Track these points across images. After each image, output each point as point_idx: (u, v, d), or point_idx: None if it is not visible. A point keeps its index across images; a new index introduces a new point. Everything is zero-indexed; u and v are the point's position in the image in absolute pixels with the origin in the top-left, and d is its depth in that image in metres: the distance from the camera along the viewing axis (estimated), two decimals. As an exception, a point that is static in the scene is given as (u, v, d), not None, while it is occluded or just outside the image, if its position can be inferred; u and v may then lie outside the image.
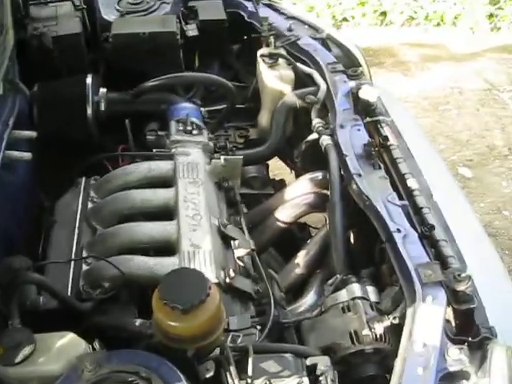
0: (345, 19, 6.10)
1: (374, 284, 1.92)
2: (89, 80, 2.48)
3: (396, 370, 1.55)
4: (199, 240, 1.88)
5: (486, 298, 1.70)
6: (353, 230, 2.21)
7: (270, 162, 2.79)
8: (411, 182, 2.03)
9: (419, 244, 1.82)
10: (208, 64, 2.88)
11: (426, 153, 2.36)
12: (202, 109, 2.59)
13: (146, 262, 1.82)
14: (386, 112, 2.36)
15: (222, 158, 2.26)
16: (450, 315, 1.68)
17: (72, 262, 1.84)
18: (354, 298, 1.84)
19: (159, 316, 1.47)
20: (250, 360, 1.49)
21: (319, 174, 2.36)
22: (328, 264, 2.12)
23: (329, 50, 2.71)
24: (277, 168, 3.52)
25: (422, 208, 1.94)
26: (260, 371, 1.53)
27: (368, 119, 2.32)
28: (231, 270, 1.83)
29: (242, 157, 2.31)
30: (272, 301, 1.82)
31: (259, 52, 2.70)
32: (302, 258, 2.24)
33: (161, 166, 2.17)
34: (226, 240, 1.99)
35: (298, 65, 2.63)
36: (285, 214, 2.36)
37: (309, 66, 2.62)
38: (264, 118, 2.71)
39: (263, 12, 2.87)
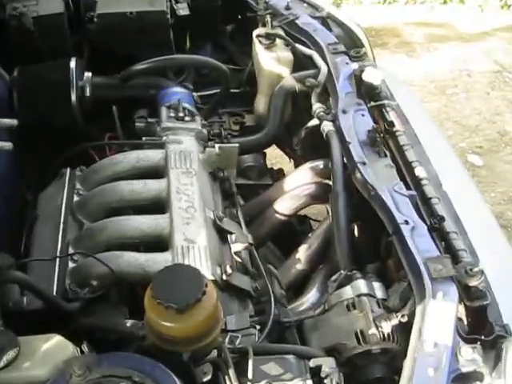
0: (345, -4, 6.11)
1: (381, 280, 1.92)
2: (72, 64, 2.46)
3: (405, 372, 1.55)
4: (193, 234, 1.87)
5: (500, 293, 1.70)
6: (357, 222, 2.20)
7: (267, 151, 2.80)
8: (419, 171, 2.03)
9: (428, 236, 1.82)
10: (200, 45, 2.88)
11: (434, 139, 2.37)
12: (195, 93, 2.58)
13: (137, 259, 1.81)
14: (392, 96, 2.36)
15: (217, 146, 2.26)
16: (462, 312, 1.68)
17: (57, 260, 1.83)
18: (359, 295, 1.84)
19: (152, 316, 1.46)
20: (250, 362, 1.48)
21: (320, 163, 2.36)
22: (331, 259, 2.12)
23: (329, 29, 2.71)
24: (274, 157, 3.53)
25: (430, 198, 1.94)
26: (261, 374, 1.52)
27: (372, 103, 2.32)
28: (228, 267, 1.82)
29: (237, 145, 2.31)
30: (272, 299, 1.82)
31: (255, 32, 2.69)
32: (303, 253, 2.24)
33: (151, 156, 2.17)
34: (221, 234, 1.99)
35: (297, 46, 2.62)
36: (284, 205, 2.36)
37: (308, 47, 2.62)
38: (261, 104, 2.70)
39: (259, -11, 2.85)
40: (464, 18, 5.96)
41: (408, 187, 2.00)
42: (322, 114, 2.39)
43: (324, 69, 2.49)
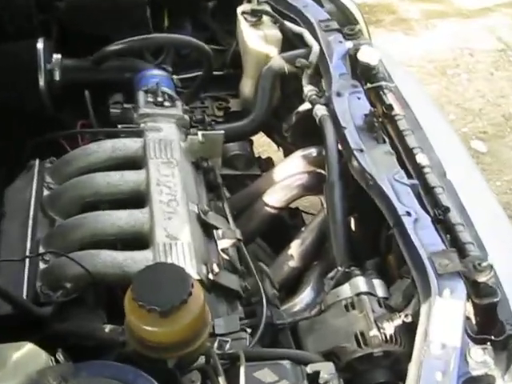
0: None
1: (381, 277, 1.92)
2: (40, 45, 2.44)
3: (410, 376, 1.55)
4: (176, 230, 1.87)
5: (511, 289, 1.70)
6: (354, 214, 2.21)
7: (253, 138, 2.79)
8: (421, 158, 2.04)
9: (433, 229, 1.82)
10: (179, 24, 2.87)
11: (436, 123, 2.39)
12: (174, 76, 2.57)
13: (115, 258, 1.80)
14: (390, 77, 2.36)
15: (200, 133, 2.25)
16: (470, 311, 1.68)
17: (27, 260, 1.81)
18: (358, 294, 1.84)
19: (133, 320, 1.45)
20: (242, 369, 1.48)
21: (313, 151, 2.36)
22: (327, 255, 2.13)
23: (321, 5, 2.70)
24: (261, 145, 3.52)
25: (434, 187, 1.94)
26: (253, 381, 1.52)
27: (369, 85, 2.32)
28: (215, 265, 1.82)
29: (222, 132, 2.30)
30: (264, 299, 1.82)
31: (239, 9, 2.69)
32: (295, 249, 2.24)
33: (128, 145, 2.15)
34: (207, 229, 1.98)
35: (286, 23, 2.61)
36: (274, 197, 2.36)
37: (298, 25, 2.61)
38: (247, 87, 2.70)
39: (242, -39, 2.85)
40: (463, -9, 5.99)
41: (409, 176, 2.00)
42: (314, 97, 2.39)
43: (315, 48, 2.48)
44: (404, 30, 5.56)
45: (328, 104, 2.30)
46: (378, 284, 1.88)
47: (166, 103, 2.31)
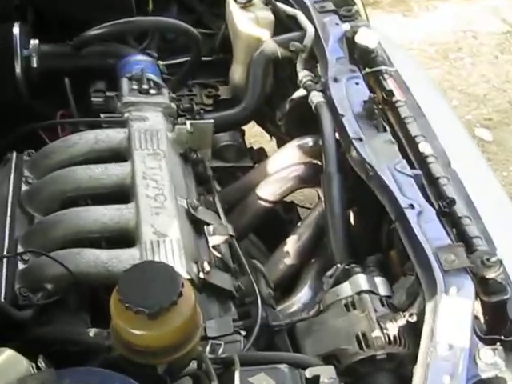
0: None
1: (384, 274, 1.92)
2: (16, 30, 2.43)
3: (416, 380, 1.55)
4: (164, 226, 1.87)
5: (521, 287, 1.71)
6: (354, 208, 2.21)
7: (245, 128, 2.79)
8: (424, 147, 2.04)
9: (437, 222, 1.82)
10: (164, 6, 2.87)
11: (439, 110, 2.40)
12: (160, 62, 2.57)
13: (99, 256, 1.79)
14: (389, 61, 2.37)
15: (188, 123, 2.24)
16: (478, 309, 1.69)
17: (4, 260, 1.80)
18: (359, 293, 1.84)
19: (119, 323, 1.45)
20: (237, 374, 1.47)
21: (309, 140, 2.36)
22: (325, 251, 2.12)
23: (315, -15, 2.70)
24: (253, 135, 3.51)
25: (438, 178, 1.95)
26: (249, 387, 1.52)
27: (367, 70, 2.33)
28: (206, 263, 1.82)
29: (212, 121, 2.30)
30: (258, 299, 1.82)
31: (228, -11, 2.68)
32: (291, 245, 2.24)
33: (111, 136, 2.15)
34: (197, 225, 1.98)
35: (278, 4, 2.62)
36: (268, 190, 2.35)
37: (292, 6, 2.61)
38: (237, 73, 2.70)
39: None
40: (466, -31, 5.98)
41: (412, 166, 2.00)
42: (309, 83, 2.39)
43: (310, 30, 2.48)
44: (403, 12, 5.56)
45: (324, 90, 2.30)
46: (379, 282, 1.88)
47: (152, 91, 2.31)
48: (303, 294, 2.07)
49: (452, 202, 1.87)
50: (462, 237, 1.80)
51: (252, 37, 2.60)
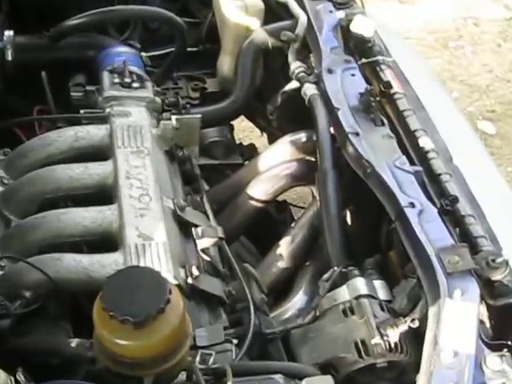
0: None
1: (383, 277, 1.92)
2: (-12, 21, 2.44)
3: (419, 389, 1.55)
4: (149, 229, 1.87)
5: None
6: (350, 207, 2.21)
7: (234, 123, 2.80)
8: (424, 141, 2.05)
9: (440, 221, 1.83)
10: (147, -6, 2.86)
11: (440, 102, 2.40)
12: (143, 54, 2.57)
13: (80, 262, 1.79)
14: (387, 50, 2.37)
15: (174, 118, 2.24)
16: (484, 313, 1.69)
17: (-21, 266, 1.81)
18: (357, 297, 1.84)
19: (103, 333, 1.44)
20: (229, 385, 1.48)
21: (302, 135, 2.37)
22: (320, 253, 2.13)
23: (307, -30, 2.70)
24: (242, 130, 3.51)
25: (440, 174, 1.96)
26: (242, 399, 1.53)
27: (364, 60, 2.34)
28: (194, 267, 1.82)
29: (199, 116, 2.30)
30: (251, 305, 1.82)
31: (215, -25, 2.68)
32: (285, 248, 2.25)
33: (92, 133, 2.14)
34: (184, 227, 1.98)
35: (268, -9, 2.62)
36: (259, 189, 2.36)
37: (283, -7, 2.61)
38: (225, 64, 2.70)
39: None
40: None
41: (412, 162, 2.01)
42: (302, 74, 2.39)
43: (303, 19, 2.48)
44: (400, -2, 5.58)
45: (318, 82, 2.30)
46: (379, 285, 1.88)
47: (135, 84, 2.31)
48: (298, 300, 2.08)
49: (455, 199, 1.87)
50: (466, 237, 1.80)
51: (241, 26, 2.60)
